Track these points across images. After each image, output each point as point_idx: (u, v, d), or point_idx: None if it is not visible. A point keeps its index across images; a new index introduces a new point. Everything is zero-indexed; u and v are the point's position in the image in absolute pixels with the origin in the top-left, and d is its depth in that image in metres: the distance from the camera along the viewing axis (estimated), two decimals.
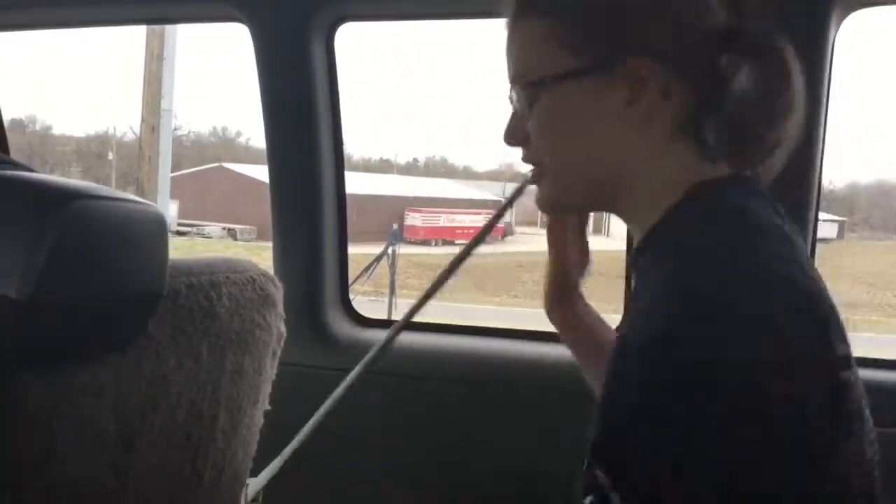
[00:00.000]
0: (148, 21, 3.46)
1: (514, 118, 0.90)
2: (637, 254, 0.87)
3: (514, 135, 0.91)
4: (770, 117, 0.83)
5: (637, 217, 0.88)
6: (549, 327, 1.16)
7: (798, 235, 0.83)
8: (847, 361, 0.74)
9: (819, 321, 0.73)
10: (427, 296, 1.37)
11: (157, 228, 0.83)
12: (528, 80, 0.86)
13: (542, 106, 0.86)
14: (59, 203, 0.70)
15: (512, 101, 0.90)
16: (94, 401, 0.84)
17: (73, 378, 0.80)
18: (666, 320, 0.70)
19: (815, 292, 0.75)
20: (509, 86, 0.90)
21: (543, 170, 0.90)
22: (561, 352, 1.75)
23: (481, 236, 1.26)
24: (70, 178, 0.79)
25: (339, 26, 1.73)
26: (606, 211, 0.93)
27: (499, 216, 1.23)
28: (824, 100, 1.43)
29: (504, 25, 0.90)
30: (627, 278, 1.38)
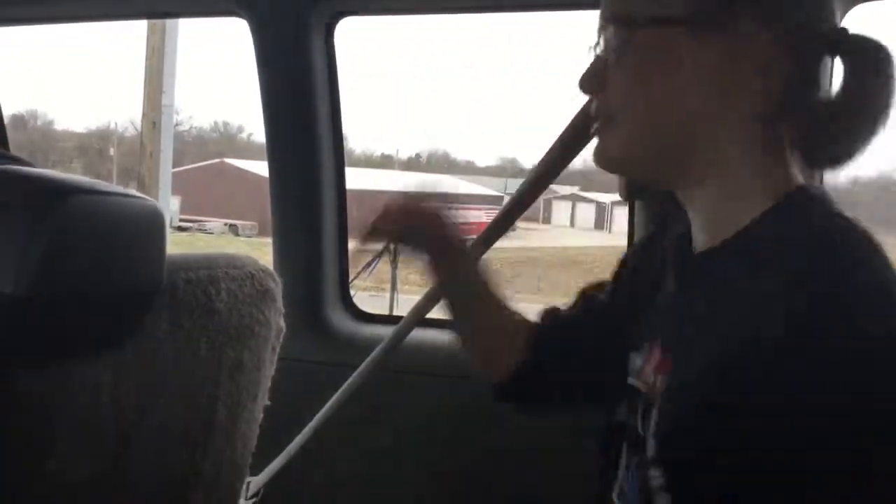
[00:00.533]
0: (149, 16, 3.46)
1: (597, 63, 0.84)
2: (708, 255, 0.82)
3: (594, 78, 0.84)
4: (856, 130, 0.80)
5: (712, 207, 0.83)
6: None
7: None
8: None
9: None
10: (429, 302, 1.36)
11: (154, 223, 0.82)
12: (625, 17, 0.80)
13: (634, 47, 0.80)
14: (56, 198, 0.70)
15: (598, 46, 0.84)
16: (92, 396, 0.83)
17: (71, 374, 0.80)
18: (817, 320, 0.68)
19: None
20: (600, 27, 0.84)
21: (614, 119, 0.83)
22: None
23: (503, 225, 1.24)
24: (71, 174, 0.79)
25: (339, 20, 1.73)
26: (669, 185, 0.87)
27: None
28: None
29: None
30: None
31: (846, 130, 0.79)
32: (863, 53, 0.79)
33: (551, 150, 1.18)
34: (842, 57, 0.80)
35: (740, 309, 0.74)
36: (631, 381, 0.90)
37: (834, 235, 0.76)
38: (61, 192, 0.70)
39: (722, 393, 0.72)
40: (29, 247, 0.67)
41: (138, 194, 0.83)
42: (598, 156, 0.86)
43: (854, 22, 1.44)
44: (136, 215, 0.81)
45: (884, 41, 0.81)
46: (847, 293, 0.70)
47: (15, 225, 0.68)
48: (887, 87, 0.79)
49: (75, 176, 0.77)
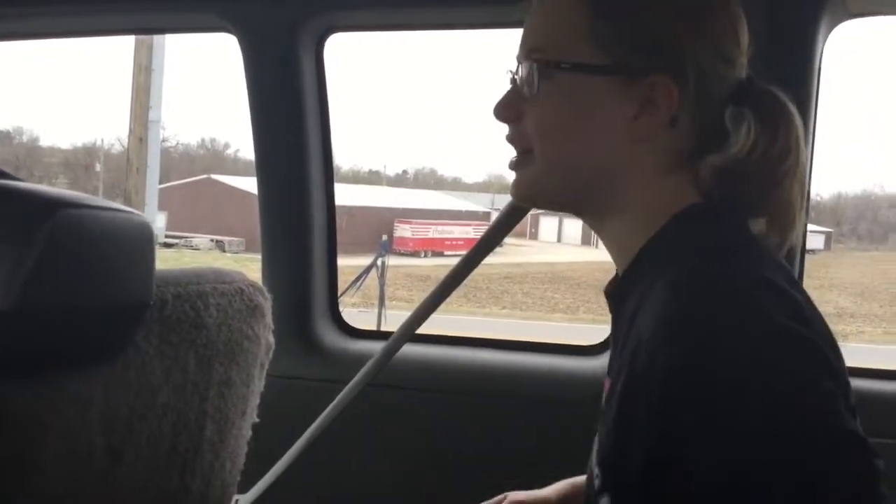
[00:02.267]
0: (137, 31, 3.46)
1: (513, 93, 0.87)
2: (624, 280, 0.86)
3: (509, 108, 0.87)
4: (768, 175, 0.82)
5: (618, 235, 0.87)
6: (542, 338, 1.15)
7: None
8: (847, 380, 0.74)
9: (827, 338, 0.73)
10: (424, 311, 1.36)
11: (143, 237, 0.82)
12: (545, 56, 0.83)
13: (551, 87, 0.83)
14: (45, 212, 0.69)
15: (515, 74, 0.87)
16: (81, 411, 0.83)
17: (61, 388, 0.79)
18: (692, 334, 0.69)
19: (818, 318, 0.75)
20: (519, 58, 0.87)
21: (529, 155, 0.86)
22: (555, 362, 1.75)
23: (480, 254, 1.25)
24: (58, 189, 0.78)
25: (328, 37, 1.73)
26: (581, 216, 0.91)
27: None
28: (812, 111, 1.44)
29: None
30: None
31: (749, 186, 0.82)
32: (765, 106, 0.83)
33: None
34: (747, 108, 0.82)
35: (637, 338, 0.75)
36: None
37: (708, 258, 0.77)
38: (51, 206, 0.70)
39: (642, 428, 0.72)
40: (18, 261, 0.67)
41: (128, 209, 0.83)
42: (513, 190, 0.90)
43: (840, 40, 1.46)
44: (126, 230, 0.80)
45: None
46: (707, 312, 0.70)
47: (4, 239, 0.68)
48: (789, 141, 0.82)
49: (65, 190, 0.76)
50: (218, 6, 1.68)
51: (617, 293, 0.88)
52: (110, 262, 0.79)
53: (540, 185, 0.88)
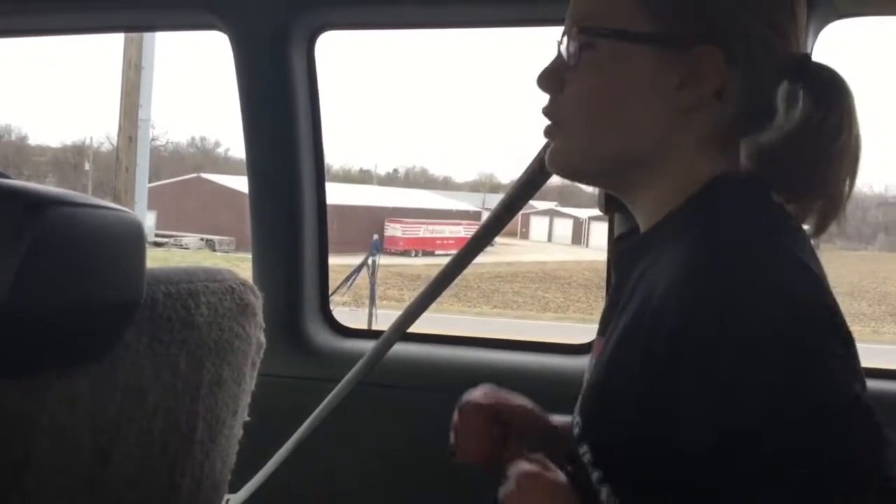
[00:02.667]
0: (126, 29, 3.44)
1: (557, 62, 0.84)
2: (642, 240, 0.84)
3: (552, 77, 0.84)
4: (817, 158, 0.80)
5: (650, 207, 0.84)
6: (532, 336, 1.15)
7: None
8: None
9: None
10: (416, 310, 1.36)
11: (134, 235, 0.82)
12: (590, 25, 0.81)
13: (595, 56, 0.80)
14: (34, 209, 0.69)
15: (561, 45, 0.84)
16: (70, 410, 0.82)
17: (49, 386, 0.79)
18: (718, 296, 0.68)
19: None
20: (566, 28, 0.84)
21: (566, 126, 0.84)
22: (545, 360, 1.76)
23: (470, 253, 1.24)
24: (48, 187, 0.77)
25: (319, 35, 1.73)
26: (614, 188, 0.88)
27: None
28: None
29: None
30: (608, 284, 1.34)
31: (797, 163, 0.80)
32: (820, 85, 0.81)
33: (509, 192, 1.26)
34: (801, 86, 0.81)
35: (649, 292, 0.74)
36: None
37: (734, 220, 0.76)
38: (40, 203, 0.70)
39: (634, 377, 0.72)
40: (7, 259, 0.67)
41: (119, 207, 0.82)
42: (550, 159, 0.87)
43: (829, 39, 1.47)
44: (117, 228, 0.80)
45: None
46: (736, 276, 0.69)
47: None
48: (842, 119, 0.80)
49: (55, 188, 0.76)
50: (209, 4, 1.67)
51: (630, 252, 0.85)
52: (100, 260, 0.78)
53: (576, 156, 0.85)
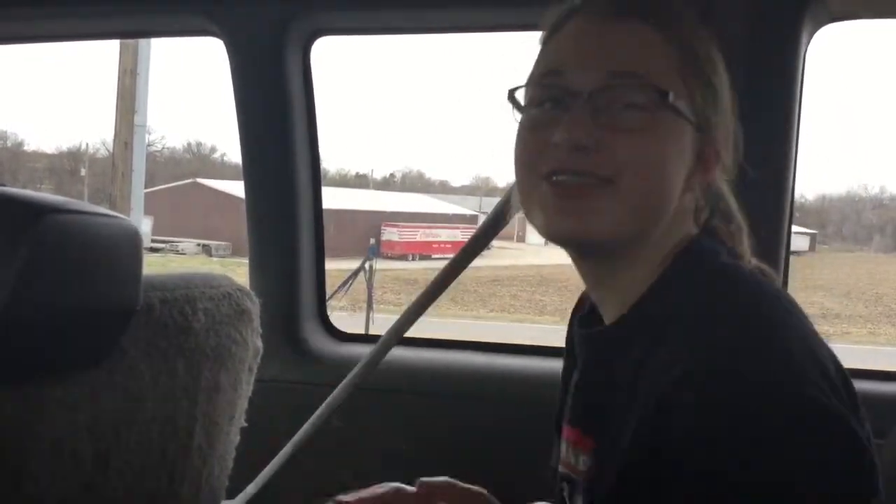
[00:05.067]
0: (123, 35, 3.43)
1: (591, 117, 0.78)
2: (609, 331, 0.85)
3: (590, 134, 0.78)
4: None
5: (628, 280, 0.84)
6: (529, 340, 1.15)
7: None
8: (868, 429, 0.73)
9: (850, 393, 0.73)
10: (413, 314, 1.36)
11: (130, 242, 0.82)
12: (652, 85, 0.79)
13: (652, 119, 0.79)
14: (32, 216, 0.69)
15: (576, 96, 0.79)
16: (68, 416, 0.82)
17: (47, 393, 0.79)
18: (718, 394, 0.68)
19: (835, 362, 0.75)
20: (596, 80, 0.79)
21: (609, 185, 0.79)
22: (544, 364, 1.75)
23: (467, 257, 1.25)
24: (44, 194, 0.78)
25: (315, 40, 1.73)
26: (612, 258, 0.85)
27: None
28: (796, 113, 1.45)
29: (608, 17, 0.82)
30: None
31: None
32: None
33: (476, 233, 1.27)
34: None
35: (644, 388, 0.74)
36: (560, 469, 0.91)
37: (719, 300, 0.77)
38: (38, 210, 0.70)
39: (636, 480, 0.71)
40: (4, 265, 0.67)
41: (115, 214, 0.82)
42: (591, 224, 0.80)
43: (823, 42, 1.48)
44: (113, 235, 0.80)
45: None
46: (733, 364, 0.69)
47: None
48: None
49: (52, 195, 0.76)
50: (204, 10, 1.67)
51: (607, 342, 0.85)
52: (97, 267, 0.78)
53: (625, 220, 0.80)
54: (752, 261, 0.87)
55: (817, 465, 0.66)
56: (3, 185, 0.81)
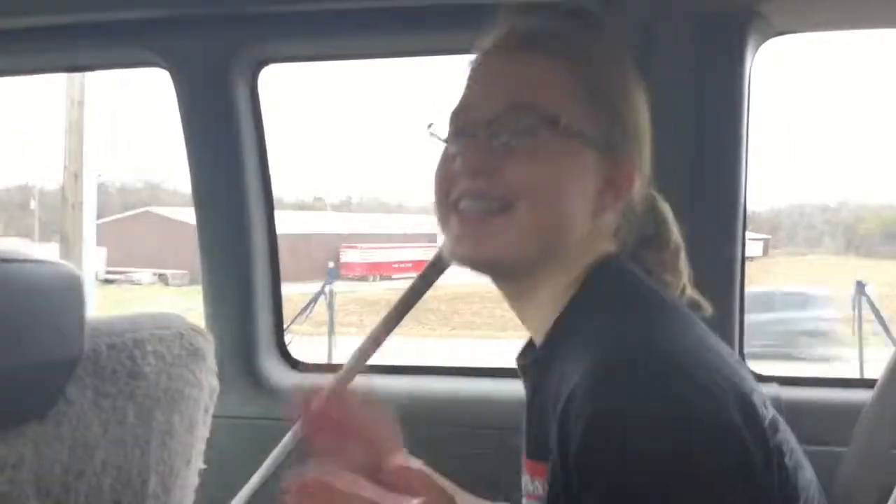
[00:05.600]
0: (68, 69, 3.36)
1: (488, 145, 0.83)
2: (543, 352, 0.86)
3: (487, 161, 0.82)
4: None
5: (542, 300, 0.86)
6: (492, 362, 1.14)
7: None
8: (774, 425, 0.75)
9: (743, 397, 0.74)
10: (375, 340, 1.34)
11: (72, 289, 0.79)
12: (539, 112, 0.82)
13: (541, 144, 0.82)
14: None
15: (480, 126, 0.84)
16: (13, 474, 0.79)
17: None
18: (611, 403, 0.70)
19: (730, 368, 0.76)
20: (490, 107, 0.84)
21: (514, 207, 0.83)
22: (511, 387, 1.74)
23: (416, 295, 1.24)
24: None
25: (262, 68, 1.71)
26: (517, 280, 0.89)
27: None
28: (744, 126, 1.47)
29: (501, 49, 0.88)
30: None
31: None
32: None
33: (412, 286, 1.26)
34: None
35: (554, 405, 0.76)
36: (524, 500, 0.91)
37: (617, 314, 0.80)
38: None
39: (556, 494, 0.74)
40: None
41: (53, 260, 0.79)
42: (488, 244, 0.84)
43: (768, 56, 1.51)
44: (52, 282, 0.77)
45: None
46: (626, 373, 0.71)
47: None
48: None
49: None
50: (148, 42, 1.65)
51: (535, 365, 0.87)
52: (37, 316, 0.75)
53: (517, 243, 0.83)
54: (685, 287, 0.90)
55: (702, 475, 0.67)
56: None
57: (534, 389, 0.87)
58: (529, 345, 0.94)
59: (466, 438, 1.66)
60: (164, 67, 1.68)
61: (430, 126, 0.89)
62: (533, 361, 0.88)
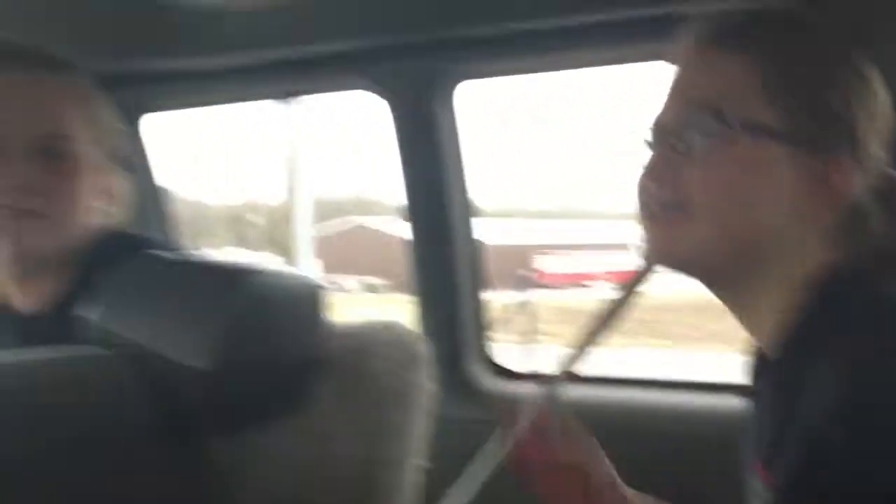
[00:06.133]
0: (285, 96, 3.68)
1: (670, 152, 0.82)
2: (779, 365, 0.82)
3: (668, 168, 0.82)
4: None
5: (755, 307, 0.83)
6: (704, 377, 1.13)
7: None
8: None
9: None
10: (580, 350, 1.36)
11: (316, 298, 0.89)
12: (719, 113, 0.79)
13: (724, 146, 0.79)
14: (235, 281, 0.77)
15: (668, 132, 0.83)
16: (273, 461, 0.90)
17: (254, 440, 0.87)
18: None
19: None
20: (675, 112, 0.83)
21: (690, 214, 0.81)
22: (719, 402, 1.68)
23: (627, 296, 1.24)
24: (220, 244, 0.86)
25: (462, 84, 1.80)
26: (717, 286, 0.86)
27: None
28: None
29: (690, 48, 0.85)
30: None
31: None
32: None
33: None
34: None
35: (801, 411, 0.72)
36: None
37: (873, 321, 0.74)
38: (238, 275, 0.78)
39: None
40: (212, 326, 0.74)
41: (301, 273, 0.90)
42: (663, 246, 0.84)
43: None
44: (301, 292, 0.87)
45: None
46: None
47: (201, 308, 0.76)
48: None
49: (248, 261, 0.84)
50: (359, 67, 1.78)
51: (770, 378, 0.83)
52: (290, 322, 0.85)
53: (699, 246, 0.82)
54: None
55: None
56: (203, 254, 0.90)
57: (760, 395, 0.85)
58: (756, 354, 0.91)
59: (668, 452, 1.63)
60: (370, 90, 1.82)
61: (635, 132, 0.89)
62: (764, 373, 0.87)
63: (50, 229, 1.09)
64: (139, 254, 0.83)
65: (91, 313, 0.77)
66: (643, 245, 0.88)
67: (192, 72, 1.89)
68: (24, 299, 1.12)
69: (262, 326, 0.81)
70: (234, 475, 0.84)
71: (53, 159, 1.08)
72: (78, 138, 1.11)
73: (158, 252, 0.88)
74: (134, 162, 2.12)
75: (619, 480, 1.07)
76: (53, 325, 0.86)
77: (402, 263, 1.92)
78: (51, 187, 1.07)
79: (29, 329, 1.07)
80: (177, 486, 0.78)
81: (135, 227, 1.32)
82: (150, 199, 2.16)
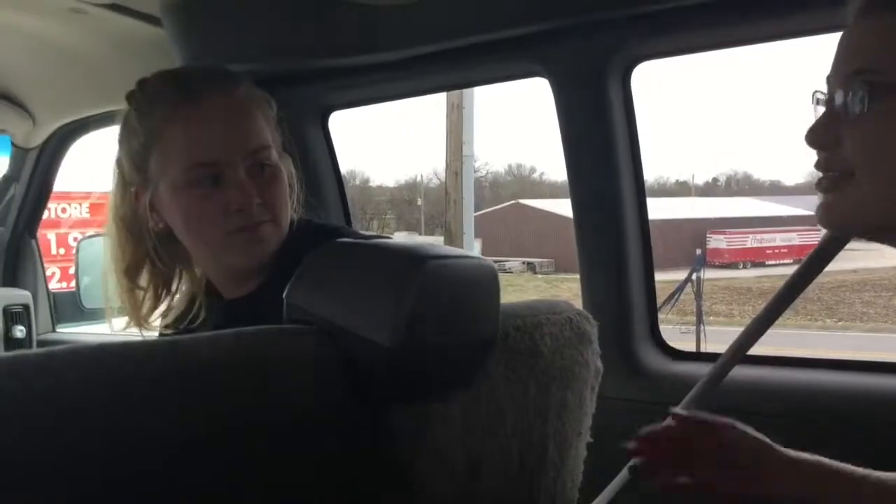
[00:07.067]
0: (458, 86, 3.75)
1: (828, 116, 0.85)
2: None
3: (826, 133, 0.85)
4: None
5: None
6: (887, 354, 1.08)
7: None
8: None
9: None
10: (755, 331, 1.33)
11: (492, 280, 0.94)
12: (880, 78, 0.80)
13: (884, 109, 0.80)
14: (417, 265, 0.83)
15: (825, 95, 0.86)
16: (444, 429, 0.96)
17: (430, 410, 0.94)
18: None
19: None
20: (837, 78, 0.84)
21: (848, 178, 0.84)
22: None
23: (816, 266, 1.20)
24: (390, 225, 0.92)
25: (635, 66, 1.77)
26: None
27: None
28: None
29: (852, 15, 0.86)
30: None
31: None
32: None
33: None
34: None
35: None
36: None
37: None
38: (420, 259, 0.84)
39: None
40: (398, 305, 0.81)
41: (478, 256, 0.95)
42: (829, 214, 0.87)
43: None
44: (477, 274, 0.92)
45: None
46: None
47: (386, 288, 0.83)
48: None
49: (428, 244, 0.91)
50: (530, 53, 1.80)
51: None
52: (467, 302, 0.91)
53: (866, 210, 0.84)
54: None
55: None
56: (386, 238, 0.98)
57: None
58: None
59: (850, 436, 1.56)
60: (542, 76, 1.83)
61: (814, 95, 0.90)
62: None
63: (278, 233, 1.22)
64: (333, 241, 0.92)
65: (293, 297, 0.86)
66: (817, 213, 0.89)
67: (372, 65, 1.98)
68: (234, 289, 1.26)
69: (440, 306, 0.87)
70: (412, 437, 0.92)
71: (265, 169, 1.21)
72: (272, 144, 1.23)
73: (349, 239, 0.96)
74: (317, 155, 2.28)
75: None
76: (259, 307, 0.96)
77: (561, 242, 1.94)
78: (275, 196, 1.21)
79: (237, 313, 1.20)
80: (360, 449, 0.86)
81: (315, 212, 1.43)
82: (331, 188, 2.31)
